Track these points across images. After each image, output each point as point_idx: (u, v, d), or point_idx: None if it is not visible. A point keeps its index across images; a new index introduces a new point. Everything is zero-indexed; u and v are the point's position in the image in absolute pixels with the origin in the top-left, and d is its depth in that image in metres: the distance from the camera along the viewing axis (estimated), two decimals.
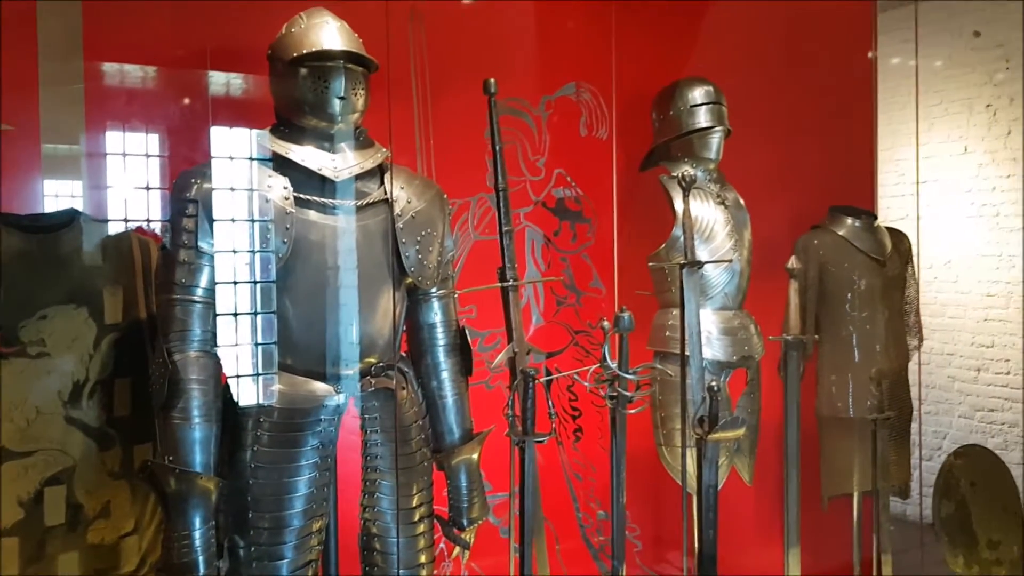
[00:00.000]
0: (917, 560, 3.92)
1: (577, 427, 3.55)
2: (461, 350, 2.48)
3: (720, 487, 2.93)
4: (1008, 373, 4.95)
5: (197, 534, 1.98)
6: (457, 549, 2.47)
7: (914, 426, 3.85)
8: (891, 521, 3.73)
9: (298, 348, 2.18)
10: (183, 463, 2.00)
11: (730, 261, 3.09)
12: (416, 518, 2.31)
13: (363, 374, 2.24)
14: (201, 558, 1.97)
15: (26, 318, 2.18)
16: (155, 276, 2.24)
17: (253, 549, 2.08)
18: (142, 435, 2.32)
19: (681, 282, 2.91)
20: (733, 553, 3.45)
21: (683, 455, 3.01)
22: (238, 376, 2.18)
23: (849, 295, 3.49)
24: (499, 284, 2.86)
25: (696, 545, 2.55)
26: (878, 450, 3.36)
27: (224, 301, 2.15)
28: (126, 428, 2.31)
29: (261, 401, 2.16)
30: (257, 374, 2.18)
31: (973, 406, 5.06)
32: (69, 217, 2.30)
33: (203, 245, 2.10)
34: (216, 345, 2.12)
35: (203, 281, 2.10)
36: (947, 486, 3.33)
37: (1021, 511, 3.31)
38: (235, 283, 2.17)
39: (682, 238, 2.96)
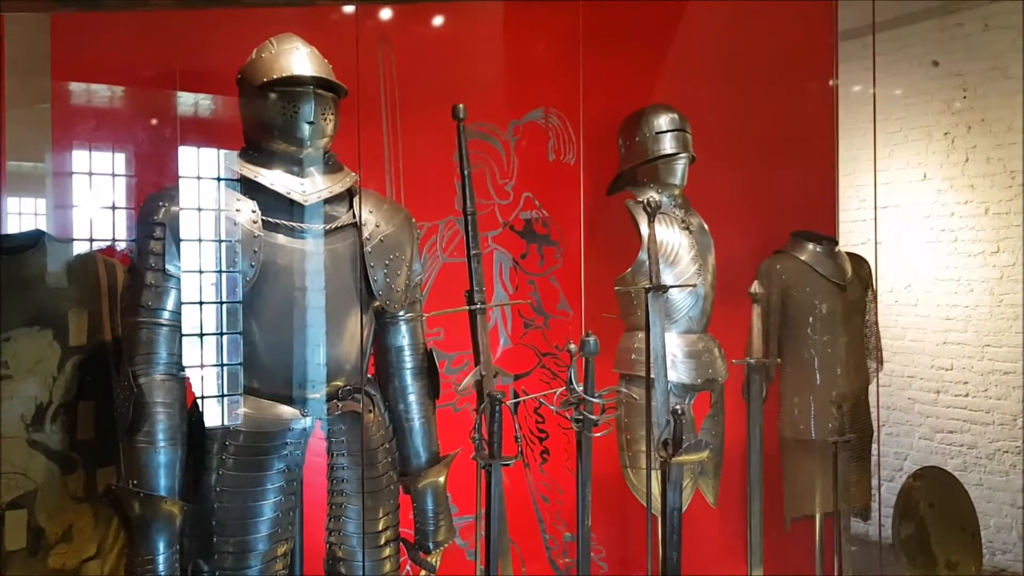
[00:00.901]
0: None
1: (544, 449, 3.57)
2: (428, 373, 2.50)
3: (685, 509, 2.96)
4: (967, 395, 5.05)
5: (161, 558, 1.97)
6: (423, 573, 2.47)
7: (874, 447, 3.91)
8: (852, 542, 3.78)
9: (265, 371, 2.18)
10: (147, 487, 1.99)
11: (694, 285, 3.14)
12: (382, 541, 2.31)
13: (330, 397, 2.25)
14: None
15: None
16: (121, 299, 2.24)
17: (218, 573, 2.07)
18: (106, 458, 2.31)
19: (647, 305, 2.96)
20: (701, 567, 3.48)
21: (648, 477, 3.04)
22: (203, 397, 2.18)
23: (811, 319, 3.55)
24: (467, 307, 2.88)
25: (660, 567, 2.57)
26: (839, 472, 3.41)
27: (191, 323, 2.15)
28: (90, 451, 2.30)
29: (227, 423, 2.16)
30: (223, 395, 2.17)
31: (933, 427, 5.15)
32: (34, 238, 2.29)
33: (170, 268, 2.10)
34: (182, 368, 2.12)
35: (170, 304, 2.10)
36: (906, 507, 3.39)
37: (979, 532, 3.37)
38: (201, 304, 2.17)
39: (647, 262, 3.01)
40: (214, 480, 2.10)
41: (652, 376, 3.00)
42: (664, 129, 3.26)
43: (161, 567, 1.97)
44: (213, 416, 2.17)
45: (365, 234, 2.31)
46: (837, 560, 3.64)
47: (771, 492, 3.49)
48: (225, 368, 2.19)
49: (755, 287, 3.36)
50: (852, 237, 4.70)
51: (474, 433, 2.33)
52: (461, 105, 2.76)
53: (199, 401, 2.18)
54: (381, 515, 2.31)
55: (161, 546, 1.98)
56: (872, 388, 3.84)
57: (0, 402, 2.16)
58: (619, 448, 3.29)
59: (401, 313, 2.44)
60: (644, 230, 3.11)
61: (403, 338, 2.46)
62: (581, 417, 2.46)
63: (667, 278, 3.10)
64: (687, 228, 3.24)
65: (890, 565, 3.63)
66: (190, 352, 2.16)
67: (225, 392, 2.19)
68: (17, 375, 2.19)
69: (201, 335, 2.17)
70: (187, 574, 2.05)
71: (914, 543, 3.37)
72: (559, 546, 3.60)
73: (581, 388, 2.45)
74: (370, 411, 2.31)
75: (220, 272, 2.19)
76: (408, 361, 2.47)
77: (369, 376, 2.44)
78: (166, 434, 2.03)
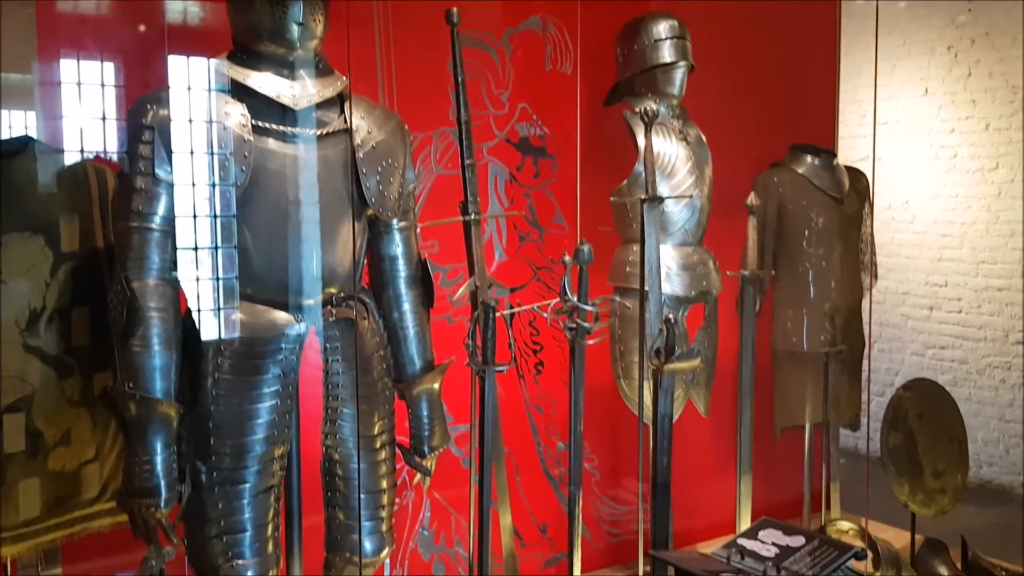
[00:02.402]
0: (864, 491, 4.06)
1: (538, 361, 3.60)
2: (422, 282, 2.50)
3: (676, 418, 3.01)
4: (960, 312, 5.09)
5: (159, 459, 2.00)
6: (418, 476, 2.52)
7: (866, 363, 3.95)
8: (841, 454, 3.85)
9: (258, 277, 2.18)
10: (143, 390, 2.00)
11: (691, 197, 3.13)
12: (377, 445, 2.34)
13: (324, 304, 2.25)
14: (163, 482, 1.99)
15: None
16: (112, 204, 2.22)
17: (215, 474, 2.10)
18: (101, 364, 2.32)
19: (642, 217, 2.95)
20: (687, 481, 3.56)
21: (640, 388, 3.08)
22: (199, 310, 2.17)
23: (806, 232, 3.55)
24: (461, 218, 2.86)
25: (651, 473, 2.62)
26: (829, 383, 3.45)
27: (183, 231, 2.14)
28: (85, 357, 2.30)
29: (222, 335, 2.16)
30: (218, 308, 2.17)
31: (925, 344, 5.21)
32: (23, 143, 2.26)
33: (160, 172, 2.08)
34: (175, 273, 2.11)
35: (160, 209, 2.08)
36: (896, 418, 3.44)
37: (966, 442, 3.43)
38: (195, 217, 2.15)
39: (644, 173, 2.99)
40: (210, 384, 2.11)
41: (646, 288, 3.02)
42: (663, 37, 3.19)
43: (159, 467, 2.00)
44: (208, 327, 2.18)
45: (357, 140, 2.28)
46: (825, 469, 3.71)
47: (761, 403, 3.54)
48: (218, 275, 2.18)
49: (751, 199, 3.35)
50: (851, 153, 4.67)
51: (468, 340, 2.34)
52: (455, 9, 2.70)
53: (194, 311, 2.18)
54: (376, 420, 2.34)
55: (158, 447, 2.00)
56: (865, 304, 3.86)
57: None
58: (612, 360, 3.33)
59: (394, 222, 2.43)
60: (641, 141, 3.08)
61: (397, 247, 2.45)
62: (575, 325, 2.47)
63: (663, 190, 3.08)
64: (685, 139, 3.20)
65: (877, 477, 3.70)
66: (184, 261, 2.15)
67: (220, 302, 2.19)
68: (9, 280, 2.18)
69: (196, 248, 2.16)
70: (185, 475, 2.08)
71: (902, 453, 3.43)
72: (553, 455, 3.66)
73: (575, 297, 2.45)
74: (364, 318, 2.31)
75: (213, 185, 2.17)
76: (402, 270, 2.46)
77: (363, 286, 2.44)
78: (160, 338, 2.04)
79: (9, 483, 2.19)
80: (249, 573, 2.12)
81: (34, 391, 2.22)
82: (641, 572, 3.18)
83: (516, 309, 2.69)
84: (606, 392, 3.41)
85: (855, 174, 3.77)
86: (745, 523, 3.32)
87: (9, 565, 2.44)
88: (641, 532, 3.22)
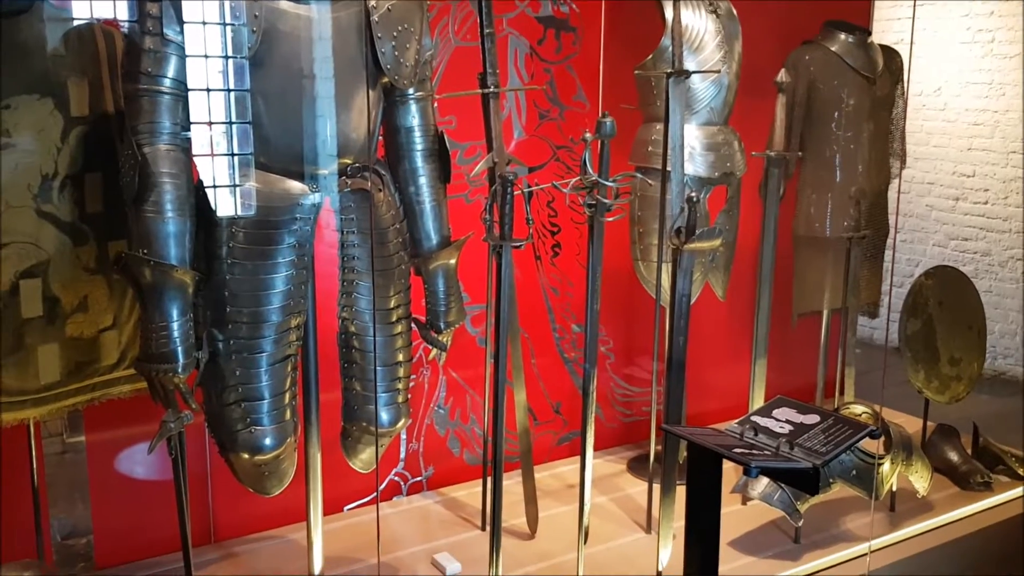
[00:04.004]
0: (879, 380, 4.06)
1: (555, 243, 3.56)
2: (439, 156, 2.44)
3: (693, 301, 2.98)
4: (986, 203, 4.98)
5: (175, 325, 2.00)
6: (434, 352, 2.52)
7: (888, 254, 3.90)
8: (857, 344, 3.84)
9: (271, 145, 2.13)
10: (158, 256, 1.98)
11: (718, 72, 3.01)
12: (393, 319, 2.34)
13: (338, 175, 2.20)
14: (180, 348, 1.99)
15: None
16: (121, 66, 2.15)
17: (232, 343, 2.10)
18: (116, 232, 2.30)
19: (667, 93, 2.85)
20: (701, 364, 3.57)
21: (659, 269, 3.05)
22: (214, 186, 2.13)
23: (836, 113, 3.44)
24: (480, 91, 2.78)
25: (667, 353, 2.61)
26: (851, 268, 3.41)
27: (195, 101, 2.07)
28: (100, 224, 2.28)
29: (237, 210, 2.12)
30: (233, 185, 2.11)
31: (948, 235, 5.12)
32: (28, 2, 2.17)
33: (169, 33, 2.00)
34: (187, 134, 2.06)
35: (171, 71, 2.02)
36: (915, 305, 3.41)
37: (985, 330, 3.41)
38: (208, 90, 2.08)
39: (670, 48, 2.88)
40: (225, 253, 2.09)
41: (668, 168, 2.95)
42: None
43: (175, 333, 2.00)
44: (222, 200, 2.13)
45: (371, 2, 2.18)
46: (840, 355, 3.71)
47: (779, 289, 3.50)
48: (233, 139, 2.13)
49: (782, 76, 3.23)
50: (886, 37, 4.48)
51: (485, 215, 2.30)
52: None
53: (207, 186, 2.13)
54: (392, 293, 2.32)
55: (174, 313, 1.99)
56: (891, 193, 3.78)
57: (5, 170, 2.12)
58: (631, 242, 3.29)
59: (411, 91, 2.36)
60: (668, 13, 2.95)
61: (413, 118, 2.38)
62: (594, 202, 2.42)
63: (690, 64, 2.97)
64: (714, 12, 3.07)
65: (892, 366, 3.70)
66: (196, 128, 2.09)
67: (234, 179, 2.14)
68: (20, 144, 2.14)
69: (210, 123, 2.09)
70: (202, 343, 2.08)
71: (919, 340, 3.42)
72: (568, 337, 3.67)
73: (595, 173, 2.39)
74: (380, 190, 2.27)
75: (226, 57, 2.09)
76: (418, 142, 2.40)
77: (379, 159, 2.38)
78: (174, 204, 2.00)
79: (28, 348, 2.21)
80: (267, 440, 2.15)
81: (49, 257, 2.21)
82: (653, 450, 3.22)
83: (534, 187, 2.62)
84: (622, 275, 3.39)
85: (889, 53, 3.63)
86: (758, 406, 3.34)
87: (32, 430, 2.50)
88: (654, 412, 3.25)
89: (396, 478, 3.33)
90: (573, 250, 3.58)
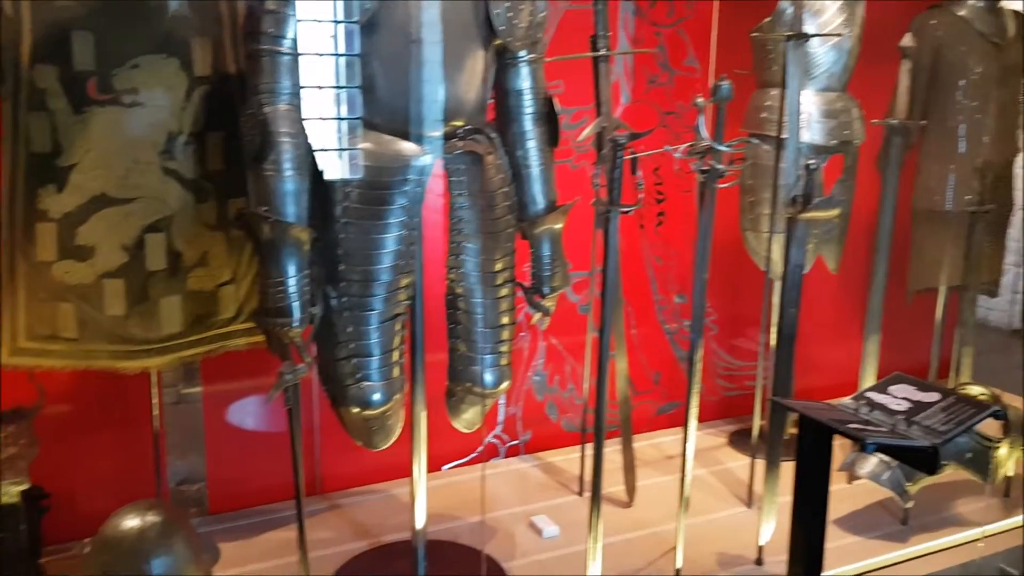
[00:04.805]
0: (996, 364, 3.89)
1: (661, 211, 3.51)
2: (548, 119, 2.42)
3: (805, 272, 2.89)
4: None
5: (291, 281, 2.04)
6: (537, 316, 2.52)
7: (1011, 232, 3.70)
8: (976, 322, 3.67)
9: (384, 107, 2.14)
10: (276, 214, 2.03)
11: (840, 35, 2.90)
12: (499, 282, 2.34)
13: (449, 136, 2.21)
14: (296, 304, 2.04)
15: (118, 67, 2.18)
16: (243, 27, 2.20)
17: (345, 300, 2.15)
18: (236, 190, 2.37)
19: (784, 58, 2.76)
20: (809, 339, 3.47)
21: (770, 240, 2.97)
22: (324, 150, 2.16)
23: (962, 82, 3.27)
24: (590, 54, 2.75)
25: (776, 324, 2.55)
26: (973, 244, 3.25)
27: (312, 64, 2.10)
28: (220, 182, 2.36)
29: (348, 174, 2.15)
30: (342, 149, 2.14)
31: None
32: None
33: None
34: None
35: (291, 32, 2.05)
36: None
37: None
38: (321, 55, 2.11)
39: (789, 10, 2.78)
40: (339, 212, 2.13)
41: (784, 136, 2.86)
42: None
43: (291, 289, 2.04)
44: (333, 164, 2.16)
45: None
46: (958, 334, 3.56)
47: (894, 263, 3.37)
48: (345, 102, 2.15)
49: (907, 40, 3.09)
50: (1016, 2, 4.22)
51: (595, 179, 2.27)
52: None
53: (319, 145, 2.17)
54: (498, 256, 2.33)
55: (291, 270, 2.04)
56: (1019, 161, 3.58)
57: (133, 128, 2.20)
58: (741, 211, 3.21)
59: (522, 54, 2.34)
60: None
61: (524, 81, 2.37)
62: (707, 168, 2.37)
63: (809, 28, 2.86)
64: None
65: (1011, 349, 3.53)
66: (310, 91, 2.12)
67: (345, 142, 2.17)
68: (148, 102, 2.22)
69: (322, 87, 2.12)
70: (317, 299, 2.13)
71: None
72: (670, 307, 3.63)
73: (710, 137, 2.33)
74: (490, 153, 2.27)
75: (337, 22, 2.11)
76: (528, 106, 2.39)
77: (488, 121, 2.38)
78: (292, 163, 2.05)
79: (152, 299, 2.30)
80: (376, 396, 2.19)
81: (173, 213, 2.29)
82: (756, 424, 3.17)
83: (644, 152, 2.57)
84: (728, 246, 3.31)
85: (1021, 19, 3.42)
86: (869, 383, 3.23)
87: (154, 379, 2.62)
88: (760, 386, 3.19)
89: (494, 440, 3.37)
90: (678, 219, 3.53)
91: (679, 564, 2.55)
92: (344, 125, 2.16)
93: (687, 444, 2.56)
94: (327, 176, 2.13)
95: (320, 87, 2.13)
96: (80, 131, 2.18)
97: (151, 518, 1.87)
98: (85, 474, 2.69)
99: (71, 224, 2.21)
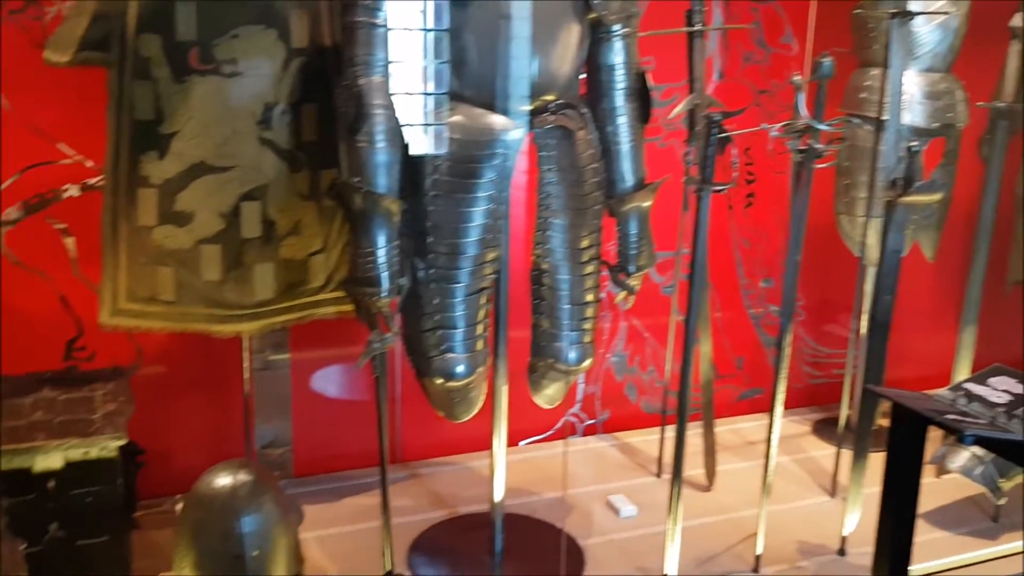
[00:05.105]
0: None
1: (750, 193, 3.44)
2: (640, 95, 2.39)
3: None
4: None
5: (381, 252, 2.07)
6: (621, 294, 2.50)
7: None
8: None
9: (476, 80, 2.15)
10: (368, 185, 2.05)
11: (946, 14, 2.78)
12: (585, 259, 2.33)
13: (540, 111, 2.20)
14: (384, 274, 2.07)
15: (219, 37, 2.23)
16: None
17: (431, 272, 2.17)
18: (328, 161, 2.41)
19: (887, 36, 2.66)
20: (902, 326, 3.36)
21: (865, 224, 2.89)
22: (411, 124, 2.17)
23: None
24: (685, 29, 2.70)
25: (870, 311, 2.48)
26: None
27: (403, 38, 2.11)
28: (314, 153, 2.39)
29: (436, 149, 2.16)
30: (427, 124, 2.14)
31: None
32: None
33: None
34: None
35: (385, 5, 2.06)
36: None
37: None
38: (412, 30, 2.11)
39: None
40: (428, 184, 2.15)
41: (884, 117, 2.76)
42: None
43: (381, 260, 2.07)
44: (422, 140, 2.18)
45: None
46: None
47: (994, 252, 3.24)
48: (435, 76, 2.16)
49: (1017, 19, 2.94)
50: None
51: (688, 156, 2.23)
52: None
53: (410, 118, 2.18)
54: (585, 233, 2.32)
55: (381, 240, 2.07)
56: None
57: (232, 97, 2.25)
58: (835, 194, 3.13)
59: (616, 28, 2.31)
60: None
61: (617, 56, 2.34)
62: (805, 147, 2.30)
63: (915, 5, 2.74)
64: None
65: None
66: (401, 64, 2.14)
67: (432, 117, 2.18)
68: (247, 72, 2.26)
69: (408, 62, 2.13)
70: (405, 269, 2.15)
71: None
72: (755, 292, 3.56)
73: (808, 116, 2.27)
74: (581, 128, 2.25)
75: None
76: (620, 81, 2.36)
77: (580, 96, 2.36)
78: (385, 135, 2.06)
79: (246, 266, 2.36)
80: (459, 368, 2.21)
81: (268, 182, 2.34)
82: (844, 413, 3.09)
83: (737, 132, 2.50)
84: (819, 230, 3.22)
85: None
86: (963, 375, 3.12)
87: (245, 344, 2.69)
88: (850, 374, 3.11)
89: (572, 419, 3.37)
90: (767, 201, 3.45)
91: (760, 550, 2.51)
92: (434, 99, 2.17)
93: (773, 429, 2.51)
94: (417, 150, 2.15)
95: (411, 61, 2.14)
96: (181, 100, 2.24)
97: (242, 477, 1.92)
98: (177, 433, 2.79)
99: (171, 190, 2.28)
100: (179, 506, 2.67)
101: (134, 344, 2.56)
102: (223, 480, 1.92)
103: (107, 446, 2.20)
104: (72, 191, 2.55)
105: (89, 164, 2.55)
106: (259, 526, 1.88)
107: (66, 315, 2.58)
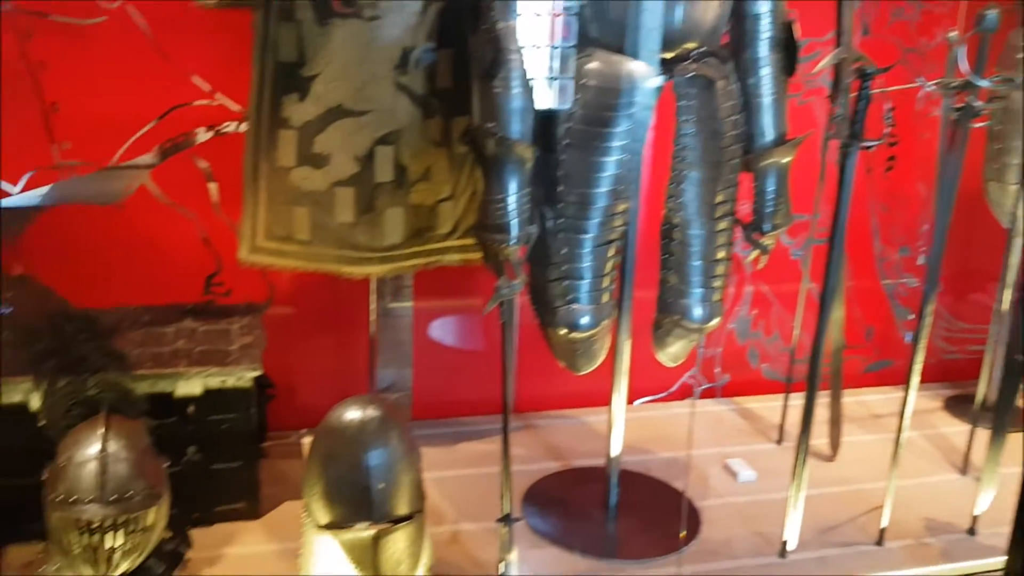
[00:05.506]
0: None
1: (891, 156, 3.28)
2: (785, 46, 2.29)
3: None
4: None
5: (511, 199, 2.06)
6: (754, 253, 2.43)
7: None
8: None
9: (615, 25, 2.10)
10: (502, 130, 2.04)
11: None
12: (719, 214, 2.27)
13: (682, 59, 2.14)
14: (514, 221, 2.06)
15: None
16: None
17: (560, 221, 2.15)
18: (461, 109, 2.41)
19: None
20: None
21: (1018, 193, 2.72)
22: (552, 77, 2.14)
23: None
24: None
25: (1016, 284, 2.33)
26: None
27: None
28: (447, 99, 2.40)
29: (576, 92, 2.12)
30: (552, 77, 2.09)
31: None
32: None
33: None
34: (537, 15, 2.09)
35: None
36: None
37: None
38: None
39: None
40: (562, 132, 2.12)
41: None
42: None
43: (511, 207, 2.06)
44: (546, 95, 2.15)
45: None
46: None
47: None
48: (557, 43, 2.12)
49: None
50: None
51: (836, 111, 2.14)
52: None
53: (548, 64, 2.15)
54: (720, 188, 2.25)
55: (513, 186, 2.06)
56: None
57: (371, 41, 2.27)
58: (985, 159, 2.95)
59: None
60: None
61: (763, 3, 2.25)
62: (962, 105, 2.17)
63: None
64: None
65: None
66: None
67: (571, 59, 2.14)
68: (386, 16, 2.27)
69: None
70: (535, 218, 2.14)
71: None
72: (891, 259, 3.41)
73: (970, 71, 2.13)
74: (723, 78, 2.18)
75: None
76: (765, 30, 2.27)
77: (722, 45, 2.28)
78: (521, 80, 2.05)
79: (378, 209, 2.40)
80: (584, 319, 2.19)
81: (402, 127, 2.36)
82: (982, 390, 2.94)
83: (890, 88, 2.38)
84: (964, 198, 3.04)
85: None
86: None
87: (374, 288, 2.74)
88: (990, 349, 2.96)
89: (690, 381, 3.32)
90: (909, 164, 3.28)
91: (885, 523, 2.42)
92: (570, 44, 2.14)
93: (907, 401, 2.40)
94: (544, 103, 2.13)
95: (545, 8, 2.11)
96: (323, 43, 2.28)
97: (371, 412, 1.96)
98: (303, 371, 2.88)
99: (310, 132, 2.33)
100: (305, 440, 2.78)
101: (267, 283, 2.64)
102: (353, 414, 1.97)
103: (243, 376, 2.29)
104: (203, 136, 2.62)
105: (235, 107, 2.62)
106: (385, 460, 1.93)
107: (206, 252, 2.68)
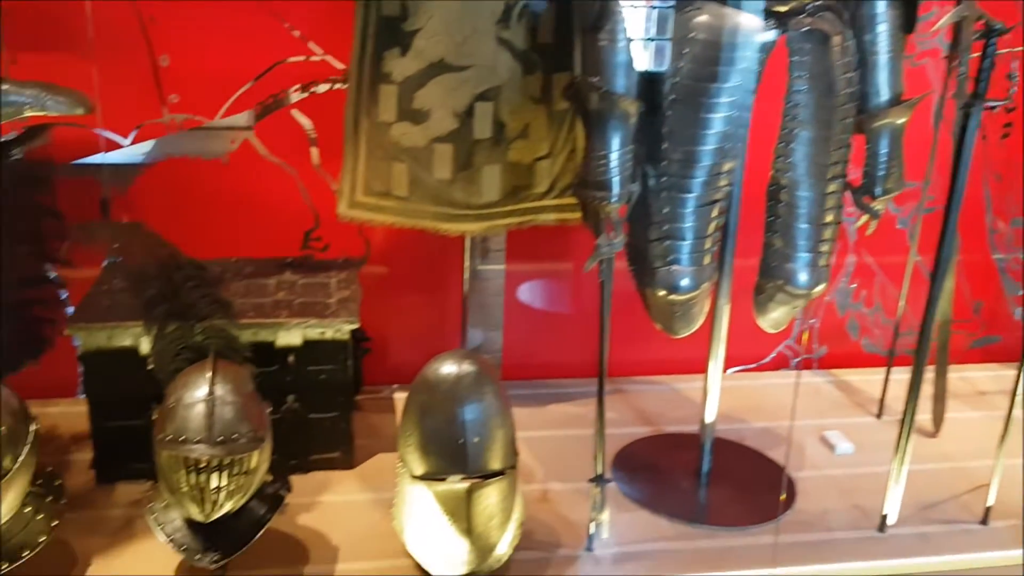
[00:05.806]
0: None
1: (1008, 123, 3.11)
2: (905, 1, 2.18)
3: None
4: None
5: (614, 155, 2.02)
6: (864, 217, 2.34)
7: None
8: None
9: None
10: (607, 84, 2.00)
11: None
12: (829, 176, 2.18)
13: (796, 12, 2.06)
14: (616, 178, 2.02)
15: None
16: None
17: (663, 180, 2.10)
18: (561, 64, 2.38)
19: None
20: None
21: None
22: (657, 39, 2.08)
23: None
24: None
25: None
26: None
27: None
28: (548, 55, 2.37)
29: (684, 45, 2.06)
30: (649, 39, 2.02)
31: None
32: None
33: None
34: None
35: None
36: None
37: None
38: None
39: None
40: (668, 87, 2.06)
41: None
42: None
43: (613, 163, 2.02)
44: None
45: None
46: None
47: None
48: None
49: None
50: None
51: (959, 69, 2.03)
52: None
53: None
54: (832, 148, 2.16)
55: (615, 143, 2.02)
56: None
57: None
58: None
59: None
60: None
61: None
62: None
63: None
64: None
65: None
66: None
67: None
68: None
69: None
70: (636, 176, 2.10)
71: None
72: (1003, 232, 3.25)
73: None
74: (838, 32, 2.09)
75: None
76: None
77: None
78: (626, 33, 2.00)
79: (475, 167, 2.39)
80: (684, 281, 2.14)
81: (502, 83, 2.34)
82: None
83: (1009, 50, 2.25)
84: None
85: None
86: None
87: (468, 246, 2.74)
88: None
89: (786, 351, 3.24)
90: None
91: (991, 502, 2.33)
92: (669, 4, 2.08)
93: (1020, 378, 2.29)
94: (642, 65, 2.07)
95: None
96: None
97: (467, 367, 1.97)
98: (396, 327, 2.91)
99: (410, 88, 2.33)
100: (396, 395, 2.82)
101: (363, 239, 2.67)
102: (449, 368, 1.98)
103: (341, 328, 2.32)
104: (295, 96, 2.64)
105: (338, 65, 2.63)
106: (480, 415, 1.93)
107: (305, 207, 2.72)
